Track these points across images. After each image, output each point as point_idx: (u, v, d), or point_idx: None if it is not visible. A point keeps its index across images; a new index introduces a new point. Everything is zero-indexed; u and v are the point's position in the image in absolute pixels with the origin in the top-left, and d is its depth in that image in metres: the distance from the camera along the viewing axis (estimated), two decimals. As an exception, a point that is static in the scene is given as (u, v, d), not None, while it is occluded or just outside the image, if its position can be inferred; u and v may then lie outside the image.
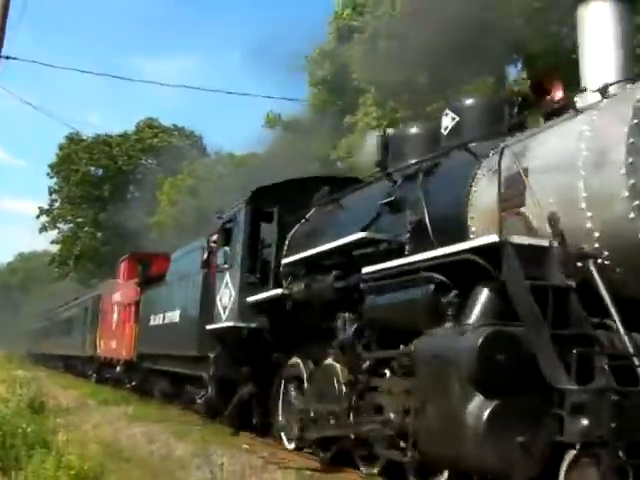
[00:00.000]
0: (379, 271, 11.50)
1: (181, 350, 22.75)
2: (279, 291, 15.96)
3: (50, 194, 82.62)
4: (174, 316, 23.95)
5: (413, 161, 13.19)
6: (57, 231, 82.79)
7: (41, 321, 78.34)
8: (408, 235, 11.83)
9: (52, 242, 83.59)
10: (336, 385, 13.43)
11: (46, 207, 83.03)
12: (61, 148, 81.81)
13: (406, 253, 11.49)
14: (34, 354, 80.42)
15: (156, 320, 26.34)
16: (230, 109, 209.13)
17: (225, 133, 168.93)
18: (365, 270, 11.90)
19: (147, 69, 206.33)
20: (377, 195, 13.69)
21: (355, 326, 12.51)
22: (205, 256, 21.52)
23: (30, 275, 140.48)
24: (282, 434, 16.74)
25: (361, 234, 12.63)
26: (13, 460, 12.89)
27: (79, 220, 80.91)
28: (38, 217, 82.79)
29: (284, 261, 16.56)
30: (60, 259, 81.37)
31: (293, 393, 16.38)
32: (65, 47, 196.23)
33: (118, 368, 33.54)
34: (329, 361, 14.04)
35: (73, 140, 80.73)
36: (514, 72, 31.17)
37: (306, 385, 15.39)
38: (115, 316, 35.11)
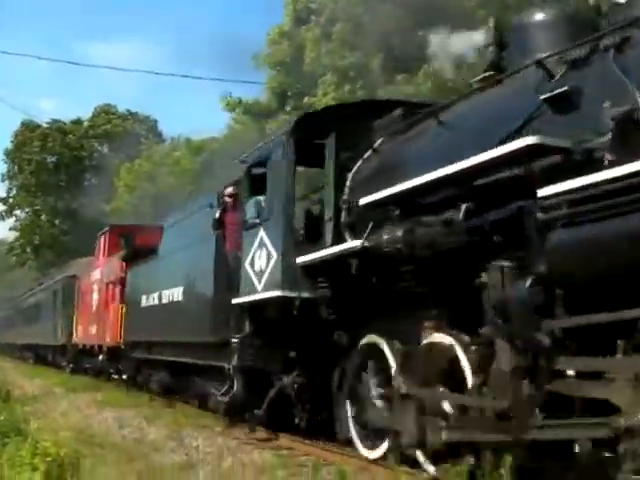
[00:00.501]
0: (576, 191, 7.54)
1: (188, 335, 18.61)
2: (353, 244, 11.58)
3: (2, 181, 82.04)
4: (175, 294, 19.80)
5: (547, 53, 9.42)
6: (14, 219, 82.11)
7: (3, 310, 77.34)
8: (609, 137, 7.62)
9: (11, 229, 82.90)
10: (467, 372, 9.58)
11: (2, 195, 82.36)
12: (15, 136, 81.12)
13: (606, 163, 7.52)
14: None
15: (149, 300, 22.38)
16: (187, 94, 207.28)
17: (182, 118, 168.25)
18: (545, 192, 7.86)
19: (102, 55, 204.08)
20: (516, 97, 9.89)
21: (530, 280, 8.13)
22: (217, 214, 17.40)
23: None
24: (353, 436, 12.91)
25: (530, 139, 8.21)
26: (-14, 449, 12.81)
27: (37, 208, 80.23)
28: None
29: (362, 202, 11.62)
30: (20, 248, 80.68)
31: (373, 382, 12.38)
32: (16, 34, 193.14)
33: (101, 357, 29.60)
34: (437, 337, 10.36)
35: (27, 127, 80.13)
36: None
37: (394, 371, 11.28)
38: (95, 297, 31.05)
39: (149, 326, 22.51)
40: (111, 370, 29.02)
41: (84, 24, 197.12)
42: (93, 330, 30.59)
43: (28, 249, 79.49)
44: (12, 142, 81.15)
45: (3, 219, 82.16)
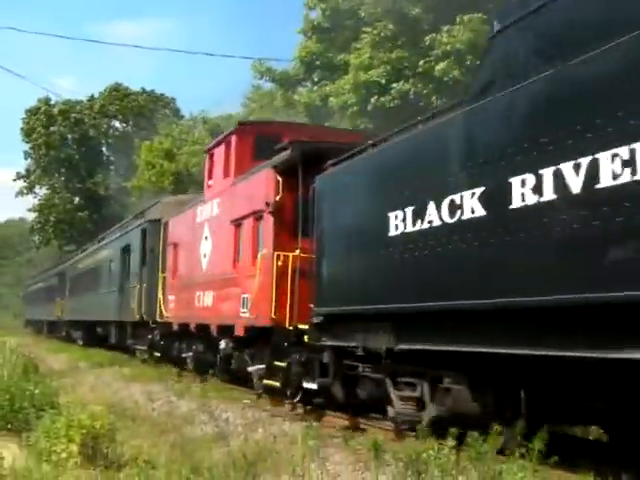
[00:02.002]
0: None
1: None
2: None
3: (26, 159, 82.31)
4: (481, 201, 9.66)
5: None
6: (34, 196, 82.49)
7: (40, 281, 73.40)
8: None
9: (29, 210, 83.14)
10: None
11: (23, 173, 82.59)
12: (27, 117, 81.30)
13: None
14: (34, 322, 76.78)
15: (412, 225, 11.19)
16: (207, 71, 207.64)
17: (203, 97, 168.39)
18: None
19: (121, 34, 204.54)
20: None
21: None
22: None
23: (6, 243, 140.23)
24: None
25: None
26: (23, 422, 13.06)
27: (55, 186, 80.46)
28: (15, 180, 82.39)
29: None
30: (39, 226, 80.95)
31: None
32: (34, 13, 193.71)
33: (223, 344, 19.55)
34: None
35: (39, 109, 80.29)
36: None
37: None
38: (208, 247, 21.68)
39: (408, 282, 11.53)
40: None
41: (104, 4, 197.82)
42: (207, 301, 21.15)
43: (48, 227, 79.61)
44: (25, 121, 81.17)
45: (22, 195, 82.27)
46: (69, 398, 15.95)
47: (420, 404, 11.67)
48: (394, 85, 30.49)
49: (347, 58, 33.89)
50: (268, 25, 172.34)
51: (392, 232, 11.45)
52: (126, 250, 32.83)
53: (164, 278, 25.85)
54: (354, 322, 12.95)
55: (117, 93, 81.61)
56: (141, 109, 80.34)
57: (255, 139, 19.87)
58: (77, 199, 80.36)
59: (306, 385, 15.04)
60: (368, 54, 32.04)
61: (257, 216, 17.62)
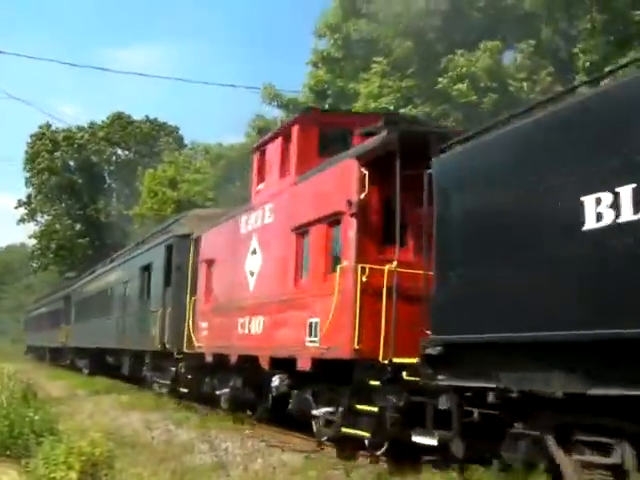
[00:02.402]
0: None
1: None
2: None
3: (27, 187, 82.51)
4: None
5: None
6: (35, 224, 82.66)
7: (43, 306, 69.60)
8: None
9: (30, 237, 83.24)
10: None
11: (24, 200, 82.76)
12: (32, 142, 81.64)
13: None
14: (36, 348, 73.16)
15: None
16: (211, 99, 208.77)
17: (204, 125, 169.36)
18: None
19: (126, 60, 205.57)
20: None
21: None
22: None
23: (7, 269, 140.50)
24: None
25: None
26: (22, 448, 13.04)
27: (57, 212, 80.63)
28: (17, 208, 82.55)
29: None
30: (40, 252, 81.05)
31: None
32: (36, 39, 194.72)
33: (277, 380, 16.37)
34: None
35: (44, 135, 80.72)
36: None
37: None
38: (258, 262, 18.08)
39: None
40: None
41: (105, 31, 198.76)
42: (255, 328, 17.68)
43: (48, 253, 79.78)
44: (28, 147, 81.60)
45: (24, 222, 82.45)
46: (67, 425, 15.90)
47: (619, 474, 8.58)
48: (402, 110, 30.69)
49: (357, 87, 34.20)
50: (273, 56, 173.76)
51: (591, 224, 8.35)
52: (146, 269, 29.29)
53: (194, 301, 22.45)
54: (491, 354, 9.92)
55: (120, 121, 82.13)
56: (144, 137, 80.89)
57: (320, 131, 16.78)
58: (78, 225, 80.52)
59: (418, 439, 11.64)
60: (377, 83, 32.42)
61: (332, 220, 14.43)
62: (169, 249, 25.88)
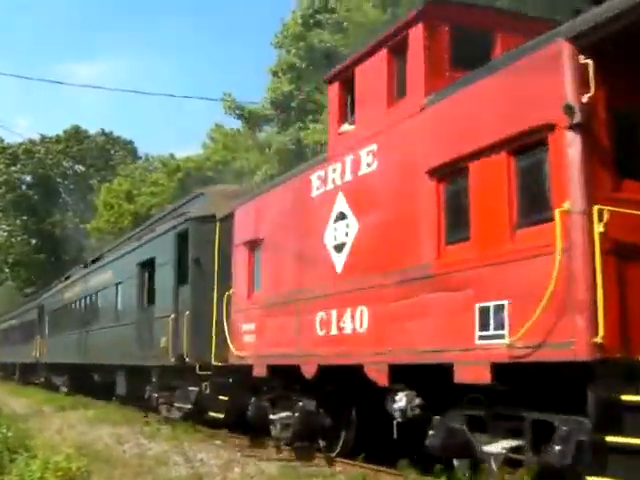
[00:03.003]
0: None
1: None
2: None
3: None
4: None
5: None
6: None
7: (12, 318, 63.99)
8: None
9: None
10: None
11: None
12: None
13: None
14: (3, 365, 67.57)
15: None
16: (157, 111, 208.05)
17: (159, 137, 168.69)
18: None
19: (74, 74, 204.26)
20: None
21: None
22: None
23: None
24: None
25: None
26: (-4, 465, 12.93)
27: (12, 227, 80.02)
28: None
29: None
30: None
31: None
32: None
33: (403, 400, 11.44)
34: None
35: (5, 148, 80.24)
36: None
37: None
38: (352, 232, 13.15)
39: None
40: None
41: (57, 45, 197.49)
42: (351, 324, 12.79)
43: (5, 268, 79.26)
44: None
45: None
46: (37, 441, 15.79)
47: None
48: None
49: (320, 97, 34.24)
50: (228, 65, 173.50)
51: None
52: (146, 266, 24.43)
53: (229, 299, 17.57)
54: None
55: (77, 134, 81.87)
56: (99, 151, 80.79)
57: (453, 32, 11.80)
58: (34, 240, 79.90)
59: None
60: None
61: (520, 144, 9.46)
62: (182, 237, 21.06)
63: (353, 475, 10.97)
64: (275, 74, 38.98)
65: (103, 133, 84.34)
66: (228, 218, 18.23)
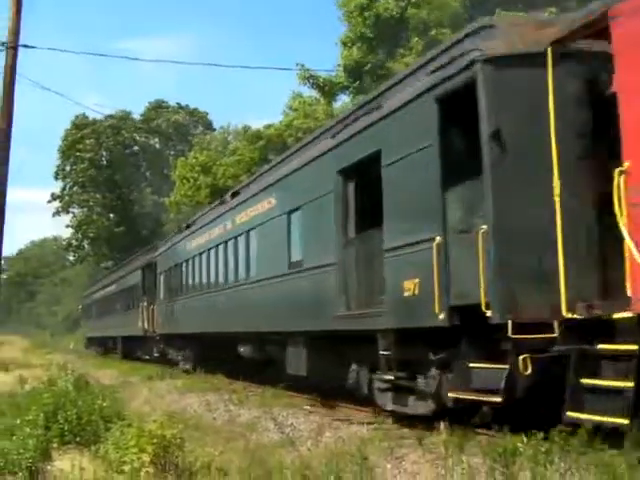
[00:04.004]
0: None
1: None
2: None
3: (56, 179, 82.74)
4: None
5: None
6: (70, 215, 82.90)
7: (110, 284, 57.13)
8: None
9: (67, 226, 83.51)
10: None
11: (58, 193, 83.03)
12: (67, 133, 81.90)
13: None
14: (100, 340, 61.27)
15: None
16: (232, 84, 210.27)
17: (231, 108, 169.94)
18: None
19: (142, 50, 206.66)
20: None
21: None
22: None
23: (41, 263, 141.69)
24: None
25: None
26: (91, 434, 13.15)
27: (91, 204, 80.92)
28: (50, 202, 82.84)
29: None
30: (76, 243, 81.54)
31: None
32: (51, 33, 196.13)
33: None
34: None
35: (77, 126, 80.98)
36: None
37: None
38: None
39: None
40: None
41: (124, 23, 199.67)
42: None
43: (85, 244, 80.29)
44: (64, 140, 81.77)
45: (59, 214, 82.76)
46: (127, 411, 16.02)
47: None
48: None
49: (393, 65, 34.05)
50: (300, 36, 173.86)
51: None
52: (356, 171, 16.33)
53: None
54: None
55: (157, 109, 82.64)
56: (177, 125, 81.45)
57: None
58: (112, 216, 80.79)
59: None
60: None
61: None
62: (456, 99, 12.41)
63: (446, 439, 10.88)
64: (345, 44, 38.72)
65: (180, 107, 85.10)
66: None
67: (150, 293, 39.26)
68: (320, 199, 17.30)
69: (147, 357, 40.78)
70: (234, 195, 26.27)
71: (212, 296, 26.97)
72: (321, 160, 17.57)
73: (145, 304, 39.90)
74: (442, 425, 11.51)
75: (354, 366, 15.77)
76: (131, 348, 46.94)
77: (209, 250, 27.90)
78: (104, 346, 59.18)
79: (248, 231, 22.94)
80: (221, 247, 26.18)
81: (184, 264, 32.30)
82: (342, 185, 16.24)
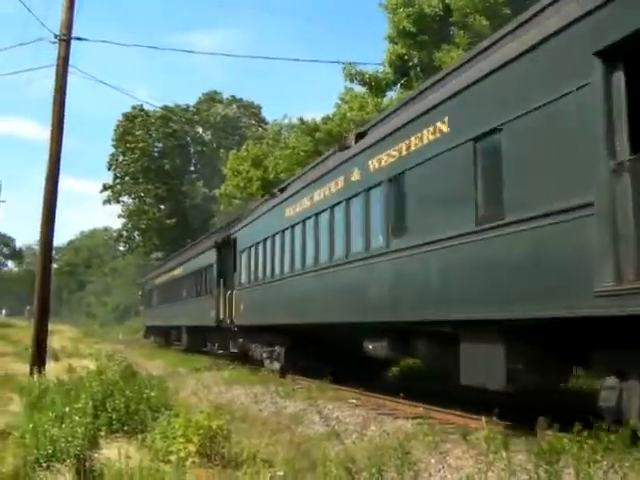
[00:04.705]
0: None
1: None
2: None
3: (109, 169, 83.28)
4: None
5: None
6: (121, 205, 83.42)
7: (176, 267, 49.45)
8: None
9: (119, 216, 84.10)
10: None
11: (110, 184, 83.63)
12: (119, 124, 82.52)
13: None
14: (162, 329, 54.73)
15: None
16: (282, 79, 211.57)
17: (283, 102, 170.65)
18: None
19: (194, 43, 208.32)
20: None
21: None
22: None
23: (92, 253, 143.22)
24: None
25: None
26: (138, 423, 13.29)
27: (142, 194, 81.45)
28: (101, 192, 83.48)
29: None
30: (127, 234, 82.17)
31: None
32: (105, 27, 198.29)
33: None
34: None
35: (128, 117, 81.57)
36: None
37: None
38: None
39: None
40: None
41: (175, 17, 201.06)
42: None
43: (136, 234, 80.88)
44: (115, 130, 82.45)
45: (110, 203, 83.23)
46: (175, 402, 16.17)
47: None
48: None
49: (441, 56, 33.85)
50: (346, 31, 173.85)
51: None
52: None
53: None
54: None
55: (209, 101, 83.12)
56: (228, 118, 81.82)
57: None
58: (163, 207, 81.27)
59: None
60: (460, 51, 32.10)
61: None
62: None
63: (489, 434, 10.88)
64: (391, 40, 38.57)
65: (234, 99, 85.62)
66: None
67: (227, 276, 32.62)
68: (554, 105, 10.93)
69: (220, 352, 33.83)
70: (360, 137, 19.51)
71: (324, 275, 20.19)
72: (557, 41, 10.98)
73: (221, 289, 33.47)
74: (484, 420, 11.45)
75: (612, 380, 10.03)
76: (198, 340, 40.15)
77: (318, 215, 21.18)
78: (165, 337, 53.63)
79: (394, 178, 16.14)
80: (340, 207, 19.32)
81: (277, 237, 25.17)
82: (604, 75, 9.99)
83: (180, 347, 45.63)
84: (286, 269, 23.90)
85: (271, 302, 25.10)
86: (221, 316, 32.23)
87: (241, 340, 29.92)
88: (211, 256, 36.32)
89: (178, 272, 47.70)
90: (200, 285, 39.23)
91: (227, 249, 33.02)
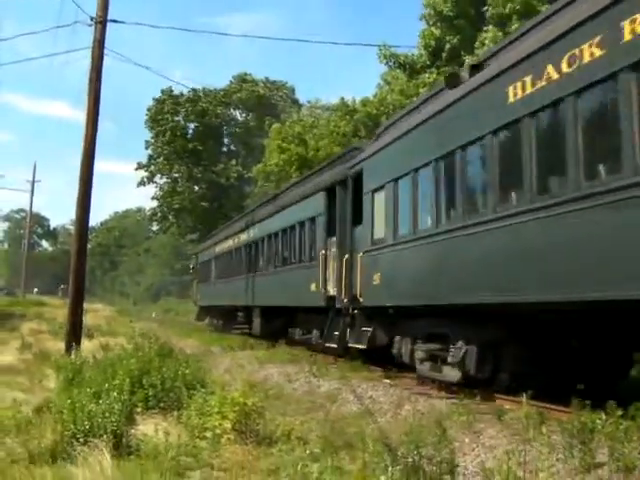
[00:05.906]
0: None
1: None
2: None
3: (146, 149, 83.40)
4: None
5: None
6: (155, 186, 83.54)
7: (244, 229, 36.38)
8: None
9: (152, 198, 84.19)
10: None
11: (144, 163, 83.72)
12: (151, 106, 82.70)
13: None
14: (221, 310, 43.49)
15: None
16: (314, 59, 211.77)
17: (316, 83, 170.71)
18: None
19: (229, 25, 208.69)
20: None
21: None
22: None
23: (125, 233, 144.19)
24: None
25: None
26: (174, 400, 13.42)
27: (175, 175, 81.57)
28: (136, 169, 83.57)
29: None
30: (161, 214, 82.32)
31: None
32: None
33: None
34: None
35: (160, 99, 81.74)
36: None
37: None
38: None
39: None
40: None
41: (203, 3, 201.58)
42: None
43: (170, 215, 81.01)
44: (148, 111, 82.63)
45: (144, 184, 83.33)
46: (209, 380, 16.27)
47: None
48: None
49: (479, 35, 33.69)
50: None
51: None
52: None
53: None
54: None
55: (243, 82, 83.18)
56: (261, 98, 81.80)
57: None
58: (197, 188, 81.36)
59: None
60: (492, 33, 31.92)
61: None
62: None
63: (527, 413, 10.87)
64: (427, 21, 38.41)
65: (267, 80, 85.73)
66: None
67: (344, 233, 22.08)
68: None
69: (332, 346, 22.18)
70: (476, 69, 14.54)
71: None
72: None
73: (331, 252, 23.21)
74: (524, 398, 11.45)
75: None
76: (277, 325, 30.61)
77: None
78: (225, 319, 42.98)
79: None
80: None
81: (474, 149, 14.20)
82: None
83: (244, 332, 36.44)
84: (499, 207, 13.00)
85: (454, 268, 14.58)
86: (331, 292, 22.74)
87: (368, 329, 19.68)
88: (315, 205, 25.11)
89: (252, 235, 35.19)
90: (291, 249, 28.10)
91: (344, 193, 22.34)
